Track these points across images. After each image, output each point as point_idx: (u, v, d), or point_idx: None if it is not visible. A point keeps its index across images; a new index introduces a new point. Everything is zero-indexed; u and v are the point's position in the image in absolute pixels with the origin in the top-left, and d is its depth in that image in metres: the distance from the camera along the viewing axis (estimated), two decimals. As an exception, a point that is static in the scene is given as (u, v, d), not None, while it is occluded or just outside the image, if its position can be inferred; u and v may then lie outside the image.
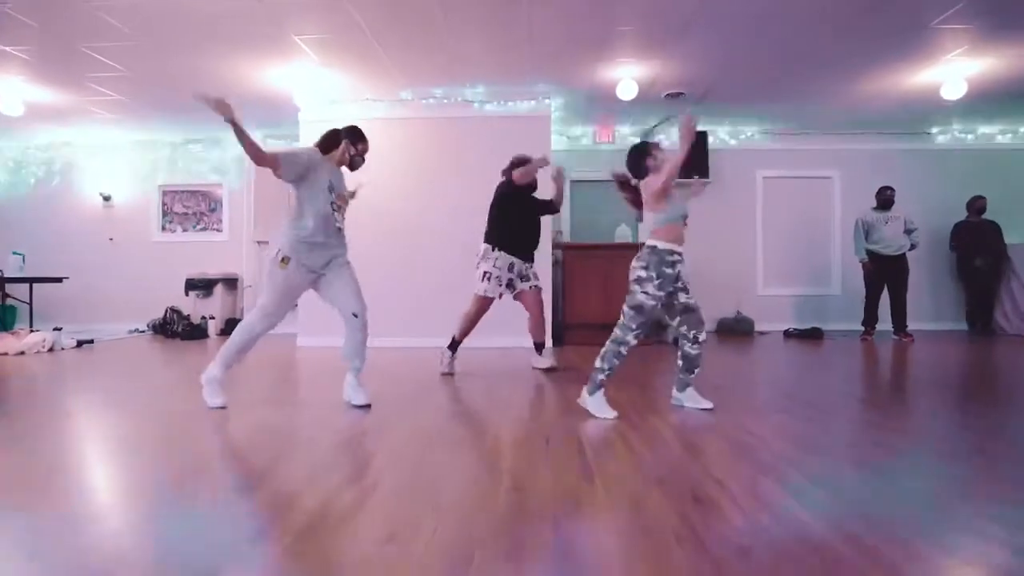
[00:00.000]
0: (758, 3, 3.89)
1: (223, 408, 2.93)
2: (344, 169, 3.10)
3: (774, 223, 6.97)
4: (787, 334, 6.39)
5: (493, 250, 3.92)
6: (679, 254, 2.76)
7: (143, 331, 7.01)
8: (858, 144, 6.89)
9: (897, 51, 4.66)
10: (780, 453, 2.15)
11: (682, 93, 5.59)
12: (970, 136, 6.84)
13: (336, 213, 2.99)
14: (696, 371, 2.86)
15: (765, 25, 4.22)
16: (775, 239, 6.98)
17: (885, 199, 5.96)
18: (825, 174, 6.95)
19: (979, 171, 6.78)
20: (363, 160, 3.12)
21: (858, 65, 4.96)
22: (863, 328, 6.11)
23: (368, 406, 2.97)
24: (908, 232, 5.94)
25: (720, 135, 6.84)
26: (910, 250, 5.95)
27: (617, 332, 2.77)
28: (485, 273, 3.90)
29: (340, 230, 3.03)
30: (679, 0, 3.86)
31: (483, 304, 3.94)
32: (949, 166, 6.86)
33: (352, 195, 3.21)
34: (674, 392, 2.93)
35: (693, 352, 2.81)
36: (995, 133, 6.83)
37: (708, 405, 2.83)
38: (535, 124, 5.63)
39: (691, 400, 2.88)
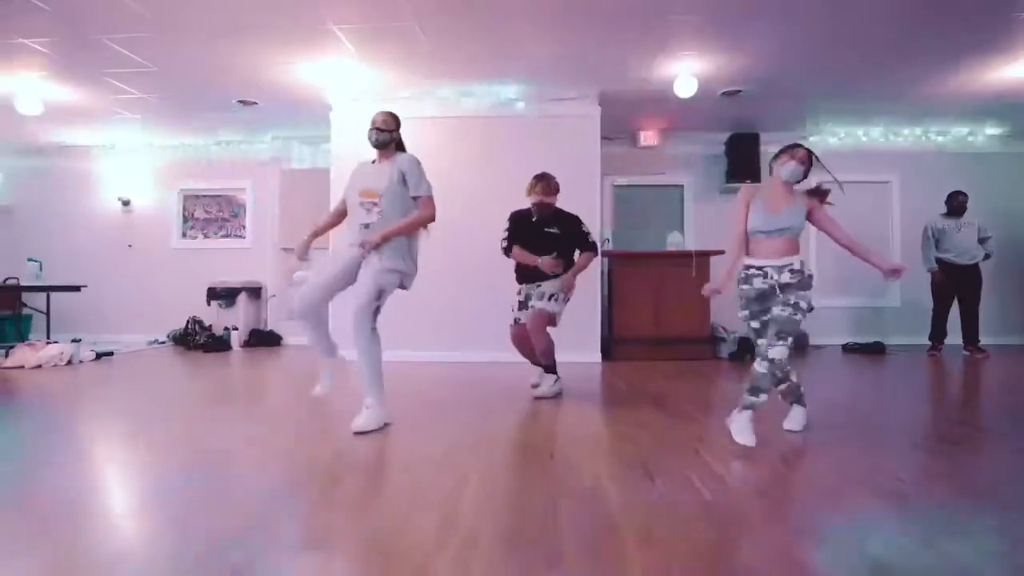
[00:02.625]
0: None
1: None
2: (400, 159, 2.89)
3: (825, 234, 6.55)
4: (846, 348, 5.97)
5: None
6: (756, 268, 2.52)
7: (163, 342, 6.70)
8: (919, 147, 6.48)
9: (978, 45, 4.29)
10: (960, 508, 1.75)
11: (739, 91, 5.23)
12: (1039, 137, 6.43)
13: (361, 209, 2.82)
14: (760, 396, 2.41)
15: (835, 18, 3.87)
16: (830, 247, 6.54)
17: (957, 205, 5.54)
18: (883, 178, 6.54)
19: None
20: (377, 133, 2.87)
21: (933, 61, 4.59)
22: (930, 343, 5.68)
23: (364, 433, 2.64)
24: (982, 240, 5.52)
25: (773, 137, 6.45)
26: (984, 260, 5.53)
27: None
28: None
29: (367, 227, 2.78)
30: None
31: (511, 331, 3.75)
32: (1021, 169, 6.43)
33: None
34: (733, 413, 2.49)
35: (759, 370, 2.42)
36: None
37: (747, 442, 2.36)
38: (581, 125, 5.28)
39: (734, 424, 2.45)
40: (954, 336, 5.61)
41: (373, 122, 2.89)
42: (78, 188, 7.14)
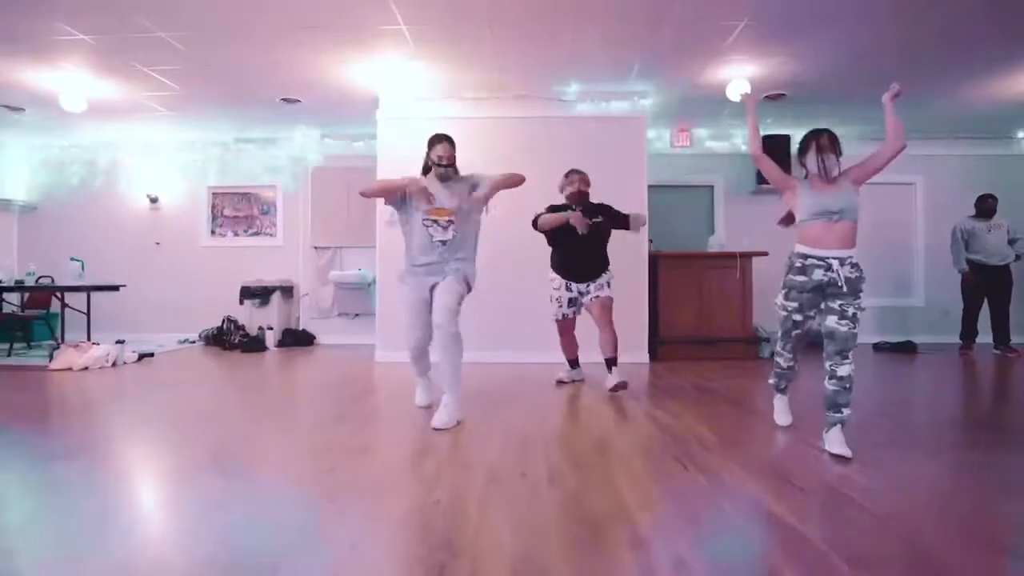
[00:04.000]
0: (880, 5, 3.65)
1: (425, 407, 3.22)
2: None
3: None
4: (877, 348, 6.11)
5: (551, 272, 3.94)
6: (817, 258, 2.40)
7: (194, 342, 6.62)
8: (943, 149, 6.65)
9: (1009, 56, 4.46)
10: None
11: (783, 95, 5.32)
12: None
13: (432, 228, 2.98)
14: (841, 412, 2.37)
15: (889, 22, 3.97)
16: (857, 246, 6.71)
17: (987, 207, 5.71)
18: (907, 180, 6.70)
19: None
20: (445, 169, 3.00)
21: (964, 70, 4.74)
22: (961, 342, 5.85)
23: (443, 429, 2.78)
24: (1011, 242, 5.70)
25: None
26: (1014, 261, 5.70)
27: None
28: (550, 295, 3.94)
29: (444, 243, 2.97)
30: (808, 3, 3.64)
31: (558, 327, 4.02)
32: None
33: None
34: (824, 430, 2.45)
35: (830, 388, 2.39)
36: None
37: (844, 453, 2.31)
38: (629, 126, 5.32)
39: (830, 443, 2.38)
40: (983, 335, 5.79)
41: (440, 158, 2.98)
42: (104, 185, 7.02)
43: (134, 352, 5.26)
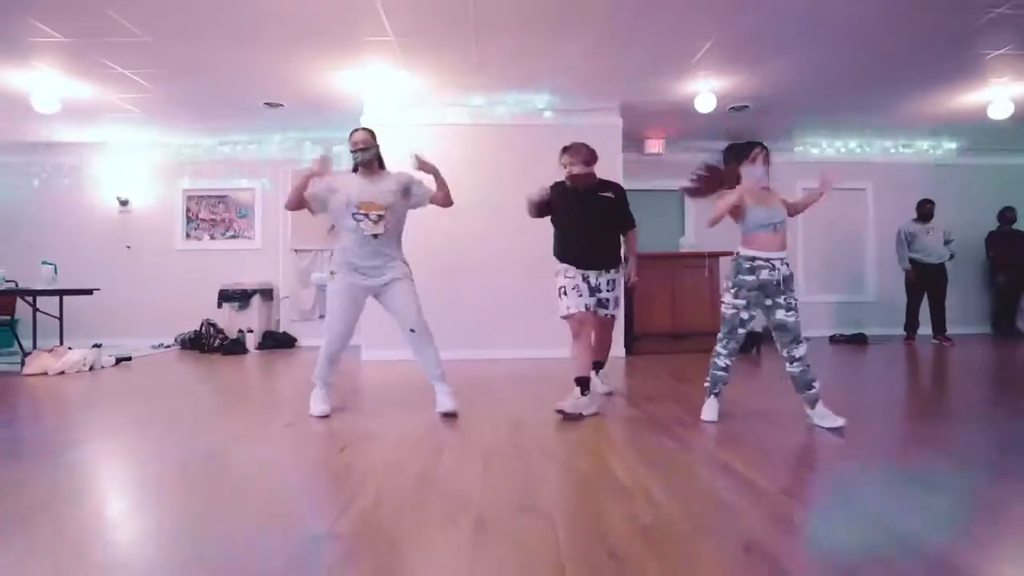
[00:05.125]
0: (842, 26, 4.03)
1: (324, 416, 3.08)
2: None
3: (814, 232, 7.19)
4: (833, 340, 6.58)
5: (559, 263, 3.36)
6: (763, 259, 2.74)
7: (169, 346, 6.55)
8: (890, 158, 7.21)
9: (950, 75, 4.95)
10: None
11: (747, 106, 5.71)
12: (990, 153, 7.27)
13: (363, 222, 3.00)
14: (813, 388, 2.73)
15: (842, 46, 4.37)
16: (814, 248, 7.21)
17: (926, 211, 6.27)
18: (859, 186, 7.23)
19: (1007, 183, 7.21)
20: (361, 154, 3.08)
21: (915, 85, 5.22)
22: (905, 333, 6.38)
23: (454, 414, 3.03)
24: (946, 243, 6.26)
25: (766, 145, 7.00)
26: (949, 260, 6.26)
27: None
28: (559, 289, 3.29)
29: (376, 237, 3.03)
30: (770, 25, 4.00)
31: (571, 326, 3.24)
32: (978, 179, 7.25)
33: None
34: (806, 410, 2.79)
35: (795, 371, 2.74)
36: (1017, 148, 7.28)
37: (838, 423, 2.65)
38: (604, 134, 5.58)
39: (820, 418, 2.72)
40: (923, 326, 6.34)
41: (355, 143, 3.07)
42: (71, 187, 6.87)
43: (111, 356, 5.20)
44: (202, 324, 6.36)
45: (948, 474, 2.11)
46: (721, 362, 2.87)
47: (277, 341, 6.55)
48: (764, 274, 2.74)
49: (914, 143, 7.14)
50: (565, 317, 3.22)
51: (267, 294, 6.67)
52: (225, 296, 6.43)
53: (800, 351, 2.74)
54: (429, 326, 3.13)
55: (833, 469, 2.22)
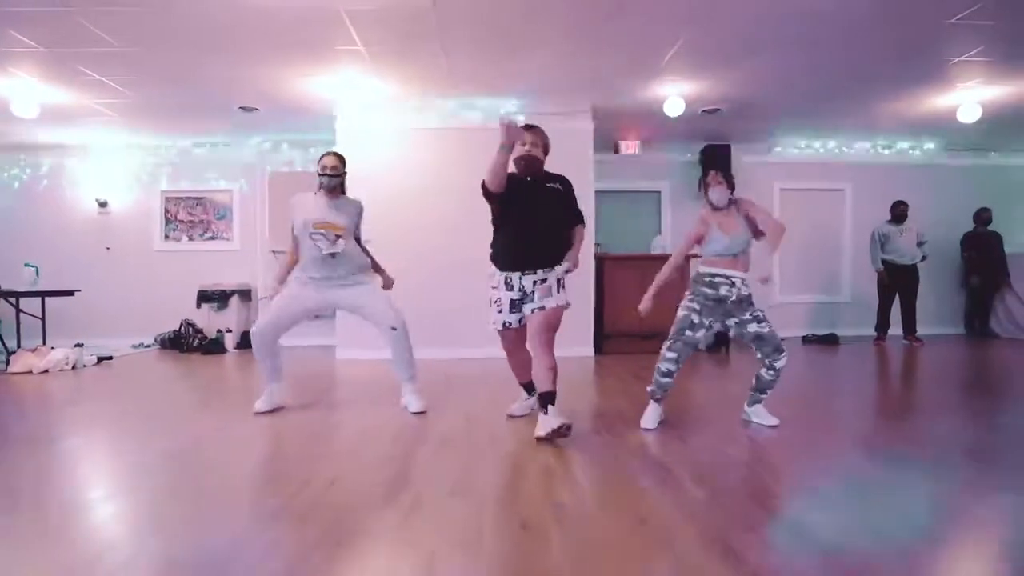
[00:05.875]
0: (809, 31, 4.05)
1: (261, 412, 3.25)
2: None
3: (790, 233, 7.14)
4: (805, 340, 6.66)
5: (491, 265, 2.95)
6: (723, 276, 2.85)
7: (149, 346, 6.63)
8: (868, 159, 7.25)
9: (918, 79, 4.99)
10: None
11: (719, 109, 5.75)
12: (966, 153, 7.31)
13: (320, 241, 3.11)
14: (768, 392, 2.93)
15: (810, 51, 4.39)
16: (790, 249, 7.25)
17: (899, 213, 6.32)
18: (838, 187, 7.28)
19: (983, 184, 7.25)
20: (329, 179, 3.19)
21: (887, 86, 5.24)
22: (876, 333, 6.44)
23: (423, 412, 3.22)
24: (919, 244, 6.31)
25: (743, 149, 7.05)
26: (921, 261, 6.32)
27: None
28: (489, 299, 2.94)
29: (332, 256, 3.14)
30: (741, 29, 4.02)
31: (501, 340, 2.98)
32: (955, 180, 7.29)
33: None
34: (744, 406, 3.01)
35: (768, 376, 2.89)
36: (992, 150, 7.32)
37: (774, 422, 2.88)
38: (575, 138, 5.65)
39: (758, 416, 2.94)
40: (894, 327, 6.41)
41: (324, 167, 3.19)
42: (51, 189, 6.92)
43: (93, 355, 5.29)
44: (181, 324, 6.44)
45: (872, 474, 2.21)
46: (664, 367, 2.86)
47: (256, 341, 6.62)
48: (723, 290, 2.85)
49: (894, 144, 7.18)
50: (494, 329, 2.95)
51: (245, 295, 6.74)
52: (204, 297, 6.50)
53: (781, 362, 2.85)
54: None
55: (759, 465, 2.35)
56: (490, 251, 2.99)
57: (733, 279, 2.85)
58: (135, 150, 6.90)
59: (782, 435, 2.78)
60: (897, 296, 6.37)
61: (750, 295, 2.90)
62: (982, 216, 6.86)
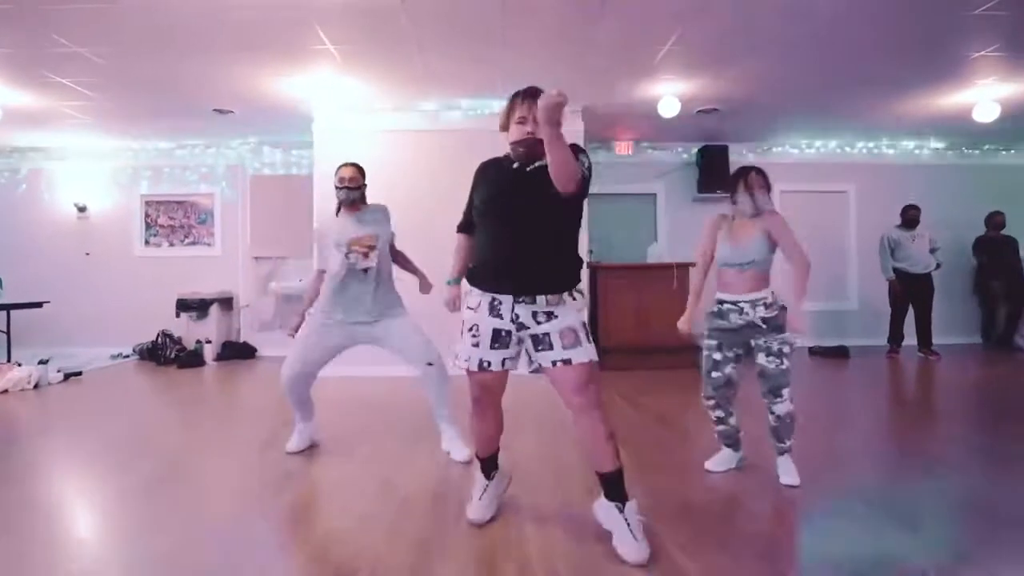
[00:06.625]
0: (812, 27, 3.74)
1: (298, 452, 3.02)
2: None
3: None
4: (812, 352, 6.32)
5: (467, 283, 2.13)
6: (731, 303, 2.48)
7: (127, 356, 6.40)
8: (873, 159, 6.89)
9: (929, 76, 4.66)
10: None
11: (716, 109, 5.42)
12: (976, 152, 6.94)
13: (352, 257, 2.86)
14: (783, 443, 2.48)
15: (814, 48, 4.08)
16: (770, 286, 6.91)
17: (910, 218, 5.96)
18: (841, 188, 6.93)
19: (992, 186, 6.87)
20: (348, 192, 2.90)
21: (894, 86, 4.91)
22: (889, 345, 6.10)
23: (469, 462, 2.74)
24: (932, 251, 5.95)
25: (741, 149, 6.72)
26: (935, 269, 5.96)
27: None
28: (462, 326, 2.06)
29: (366, 272, 2.87)
30: (738, 25, 3.71)
31: (471, 388, 2.07)
32: (965, 180, 6.92)
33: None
34: (776, 459, 2.55)
35: (771, 423, 2.49)
36: (1003, 150, 6.94)
37: (791, 482, 2.42)
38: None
39: (780, 469, 2.50)
40: (908, 338, 6.07)
41: (342, 180, 2.90)
42: (27, 193, 6.70)
43: (59, 372, 5.05)
44: (158, 335, 6.20)
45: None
46: (713, 416, 2.62)
47: (237, 352, 6.38)
48: (733, 318, 2.48)
49: (898, 143, 6.82)
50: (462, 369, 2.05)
51: (226, 303, 6.49)
52: (183, 305, 6.26)
53: (781, 408, 2.43)
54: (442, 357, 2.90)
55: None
56: (472, 259, 2.11)
57: (741, 304, 2.47)
58: (114, 153, 6.67)
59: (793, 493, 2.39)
60: (911, 306, 6.01)
61: (771, 319, 2.43)
62: (995, 220, 6.48)
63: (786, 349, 2.43)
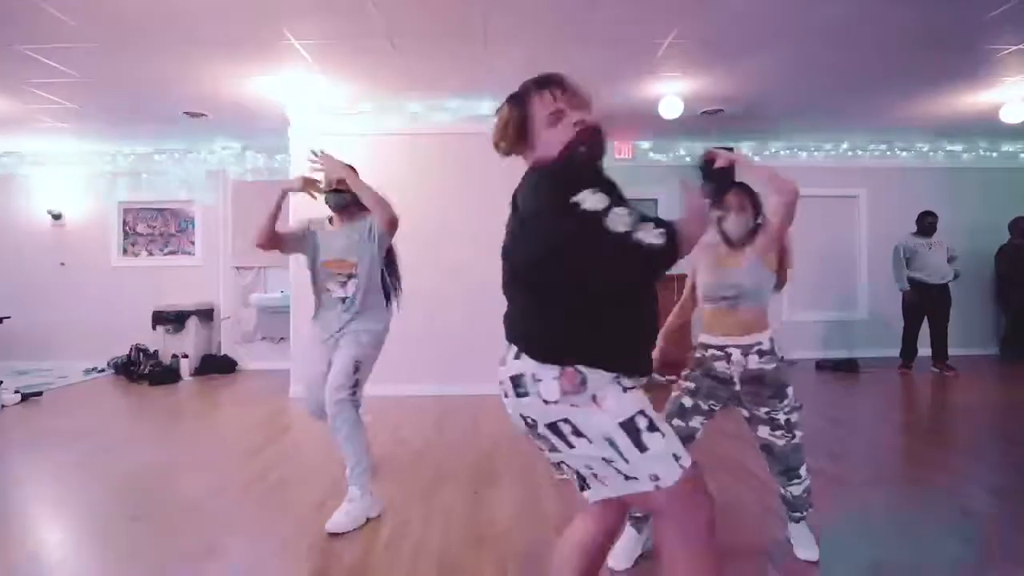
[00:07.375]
0: (825, 22, 3.41)
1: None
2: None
3: (797, 244, 6.51)
4: (819, 366, 5.95)
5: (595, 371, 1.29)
6: (717, 347, 1.98)
7: (103, 370, 6.11)
8: (885, 162, 6.54)
9: (953, 75, 4.32)
10: None
11: (721, 110, 5.10)
12: (994, 154, 6.58)
13: (328, 282, 2.49)
14: (798, 512, 2.04)
15: (826, 45, 3.77)
16: (799, 260, 6.54)
17: (927, 225, 5.59)
18: (851, 193, 6.58)
19: (1016, 189, 6.52)
20: (336, 195, 2.48)
21: (910, 86, 4.59)
22: (901, 359, 5.74)
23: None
24: (950, 260, 5.58)
25: (745, 152, 6.38)
26: (953, 279, 5.59)
27: None
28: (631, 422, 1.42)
29: (342, 301, 2.46)
30: (744, 18, 3.38)
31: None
32: (984, 185, 6.55)
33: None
34: (788, 524, 2.10)
35: (787, 498, 2.04)
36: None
37: (810, 557, 1.99)
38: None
39: (797, 540, 2.05)
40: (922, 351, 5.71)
41: (330, 183, 2.47)
42: (-1, 200, 6.45)
43: (16, 392, 4.76)
44: (131, 349, 5.91)
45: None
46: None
47: (216, 366, 6.08)
48: (719, 366, 1.98)
49: (912, 146, 6.47)
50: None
51: (206, 315, 6.20)
52: (159, 318, 5.97)
53: (797, 490, 1.98)
54: (349, 403, 2.36)
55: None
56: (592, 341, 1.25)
57: (728, 350, 1.96)
58: (90, 158, 6.39)
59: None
60: (926, 318, 5.65)
61: (770, 371, 1.94)
62: (1020, 226, 6.11)
63: (794, 417, 1.95)
